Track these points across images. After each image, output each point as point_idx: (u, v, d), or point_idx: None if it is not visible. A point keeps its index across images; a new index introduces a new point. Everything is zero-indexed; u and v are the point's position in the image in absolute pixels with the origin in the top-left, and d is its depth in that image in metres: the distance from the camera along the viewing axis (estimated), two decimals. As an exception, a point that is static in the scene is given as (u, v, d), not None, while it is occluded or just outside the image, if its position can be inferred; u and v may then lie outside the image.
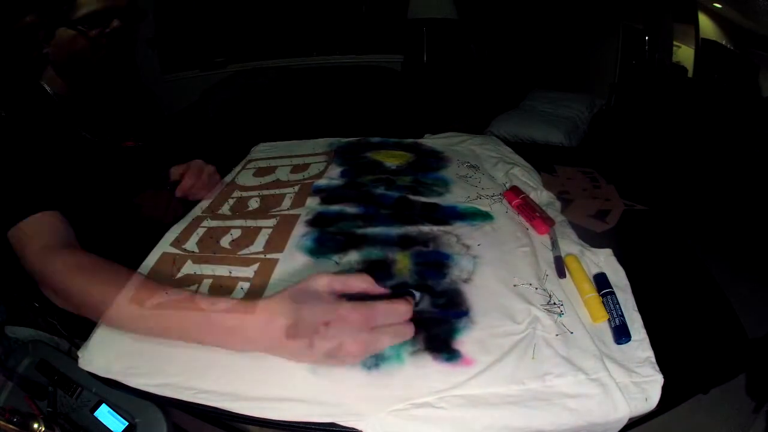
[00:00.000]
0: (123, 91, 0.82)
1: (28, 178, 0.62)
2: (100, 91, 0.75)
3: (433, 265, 0.68)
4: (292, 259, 0.70)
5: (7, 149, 0.62)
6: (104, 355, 0.55)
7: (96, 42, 0.64)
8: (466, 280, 0.65)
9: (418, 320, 0.58)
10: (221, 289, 0.65)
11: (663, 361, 0.53)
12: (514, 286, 0.64)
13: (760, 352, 0.94)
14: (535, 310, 0.59)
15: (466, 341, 0.55)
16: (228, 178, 0.99)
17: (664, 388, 0.50)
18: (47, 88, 0.69)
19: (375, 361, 0.53)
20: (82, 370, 0.54)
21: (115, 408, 0.57)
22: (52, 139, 0.67)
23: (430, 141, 1.16)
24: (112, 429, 0.56)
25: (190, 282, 0.67)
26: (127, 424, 0.56)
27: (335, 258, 0.70)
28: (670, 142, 2.44)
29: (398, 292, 0.59)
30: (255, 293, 0.64)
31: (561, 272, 0.67)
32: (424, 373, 0.51)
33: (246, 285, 0.66)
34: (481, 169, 0.99)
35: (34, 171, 0.63)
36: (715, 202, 2.04)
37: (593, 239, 0.77)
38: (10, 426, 0.48)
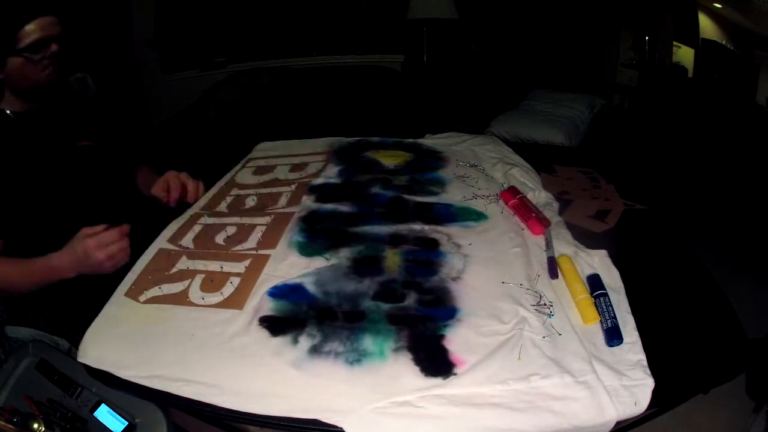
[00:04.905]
0: (76, 97, 0.92)
1: None
2: (53, 100, 0.86)
3: (423, 262, 0.69)
4: (283, 256, 0.71)
5: None
6: (98, 347, 0.57)
7: (41, 64, 0.77)
8: (455, 279, 0.65)
9: (403, 317, 0.58)
10: (212, 283, 0.66)
11: (663, 362, 0.53)
12: (502, 283, 0.64)
13: (760, 352, 0.94)
14: (523, 311, 0.58)
15: (451, 340, 0.55)
16: (227, 177, 1.00)
17: (664, 388, 0.50)
18: (7, 111, 0.80)
19: (357, 356, 0.53)
20: (82, 370, 0.55)
21: (115, 408, 0.57)
22: (9, 159, 0.77)
23: (430, 141, 1.16)
24: (112, 429, 0.56)
25: (183, 277, 0.68)
26: (127, 423, 0.56)
27: (326, 255, 0.71)
28: (670, 142, 2.44)
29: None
30: (244, 288, 0.65)
31: (553, 273, 0.66)
32: (407, 370, 0.51)
33: (236, 280, 0.66)
34: (480, 169, 0.99)
35: None
36: (714, 201, 2.04)
37: (593, 238, 0.77)
38: (10, 426, 0.48)
